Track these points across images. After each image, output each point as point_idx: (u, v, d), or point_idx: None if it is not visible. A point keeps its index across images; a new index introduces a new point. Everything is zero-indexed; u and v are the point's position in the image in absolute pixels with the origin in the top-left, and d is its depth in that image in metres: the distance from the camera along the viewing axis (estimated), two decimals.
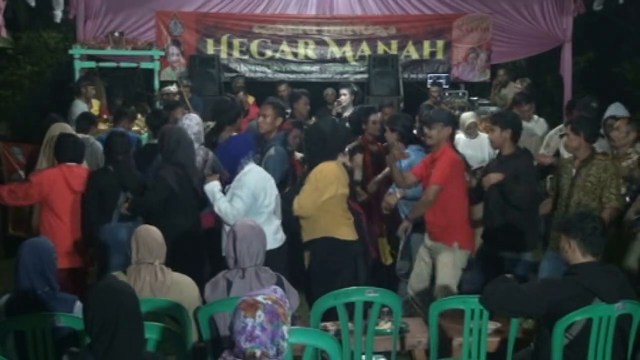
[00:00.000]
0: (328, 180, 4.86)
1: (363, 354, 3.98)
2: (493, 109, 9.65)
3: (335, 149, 5.03)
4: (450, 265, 5.10)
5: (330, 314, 3.99)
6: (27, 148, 7.11)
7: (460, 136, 7.45)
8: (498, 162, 5.30)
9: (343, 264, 4.92)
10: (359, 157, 6.12)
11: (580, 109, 6.93)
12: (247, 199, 4.77)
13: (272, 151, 5.63)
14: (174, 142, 5.31)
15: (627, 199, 5.27)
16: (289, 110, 8.94)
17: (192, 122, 5.84)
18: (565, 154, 6.02)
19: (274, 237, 4.83)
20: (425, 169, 5.28)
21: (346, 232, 5.00)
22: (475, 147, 7.30)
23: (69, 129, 6.24)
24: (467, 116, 7.73)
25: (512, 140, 5.15)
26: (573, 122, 5.31)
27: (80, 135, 6.31)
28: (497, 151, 5.56)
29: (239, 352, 2.47)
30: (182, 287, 4.00)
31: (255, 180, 4.85)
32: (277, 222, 4.98)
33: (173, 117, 7.08)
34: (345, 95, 8.76)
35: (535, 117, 7.97)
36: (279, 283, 3.77)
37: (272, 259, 4.12)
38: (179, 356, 3.52)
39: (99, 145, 6.65)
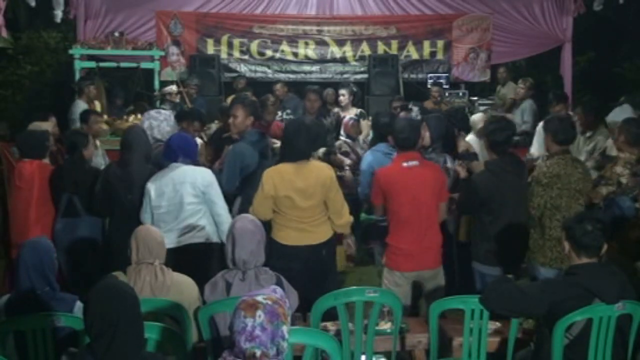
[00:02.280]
0: (268, 180, 4.69)
1: (363, 354, 3.98)
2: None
3: (298, 150, 4.76)
4: (382, 281, 5.01)
5: (330, 314, 4.00)
6: None
7: (472, 137, 7.42)
8: None
9: (284, 267, 4.49)
10: None
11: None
12: (144, 199, 4.93)
13: (229, 147, 5.62)
14: (127, 143, 5.36)
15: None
16: (289, 110, 8.98)
17: (144, 117, 5.91)
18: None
19: None
20: None
21: (286, 235, 4.76)
22: None
23: (43, 127, 6.29)
24: (477, 119, 7.67)
25: (490, 150, 5.05)
26: (544, 121, 5.30)
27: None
28: None
29: (239, 352, 2.47)
30: (182, 287, 3.99)
31: (151, 181, 4.95)
32: (167, 227, 4.84)
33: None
34: (344, 96, 8.74)
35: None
36: (279, 283, 3.77)
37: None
38: (179, 356, 3.51)
39: None
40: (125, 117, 8.69)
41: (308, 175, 4.71)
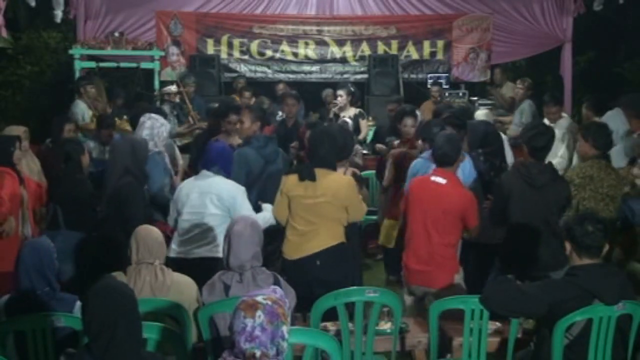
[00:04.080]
0: (285, 180, 4.78)
1: (363, 354, 3.98)
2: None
3: (319, 159, 4.74)
4: None
5: (330, 314, 4.00)
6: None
7: None
8: None
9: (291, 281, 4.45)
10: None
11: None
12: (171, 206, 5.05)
13: (234, 153, 5.60)
14: (109, 155, 5.47)
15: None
16: (280, 113, 8.99)
17: (144, 119, 5.83)
18: None
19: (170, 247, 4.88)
20: None
21: (286, 249, 4.80)
22: None
23: (14, 130, 6.10)
24: (478, 115, 7.70)
25: (530, 156, 4.90)
26: (583, 126, 5.30)
27: None
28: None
29: (238, 353, 2.47)
30: (182, 287, 3.99)
31: (180, 187, 5.05)
32: (187, 236, 4.90)
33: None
34: (341, 97, 8.74)
35: (564, 116, 7.84)
36: (276, 282, 3.77)
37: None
38: (179, 356, 3.52)
39: None
40: (125, 117, 8.68)
41: (322, 187, 4.66)
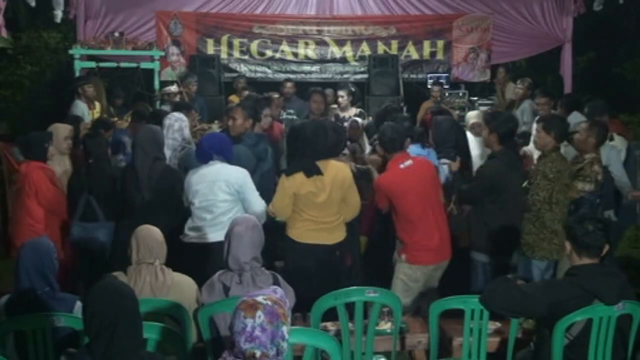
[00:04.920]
0: (291, 179, 4.81)
1: (363, 354, 3.98)
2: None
3: (317, 152, 4.84)
4: (396, 275, 5.00)
5: (330, 314, 4.00)
6: None
7: (468, 133, 7.45)
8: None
9: (299, 265, 4.70)
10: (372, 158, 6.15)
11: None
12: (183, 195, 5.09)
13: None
14: (135, 143, 5.43)
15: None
16: (291, 111, 8.96)
17: (171, 121, 5.95)
18: None
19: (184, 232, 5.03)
20: None
21: (302, 233, 4.86)
22: (482, 145, 7.29)
23: (60, 129, 6.24)
24: (471, 115, 7.74)
25: (498, 143, 5.15)
26: (545, 119, 5.45)
27: None
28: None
29: (238, 353, 2.47)
30: (182, 288, 3.99)
31: (188, 177, 5.07)
32: (201, 223, 4.97)
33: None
34: (342, 97, 8.75)
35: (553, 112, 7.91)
36: (275, 282, 3.77)
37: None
38: (179, 356, 3.52)
39: None
40: (125, 117, 8.68)
41: (329, 175, 4.83)
